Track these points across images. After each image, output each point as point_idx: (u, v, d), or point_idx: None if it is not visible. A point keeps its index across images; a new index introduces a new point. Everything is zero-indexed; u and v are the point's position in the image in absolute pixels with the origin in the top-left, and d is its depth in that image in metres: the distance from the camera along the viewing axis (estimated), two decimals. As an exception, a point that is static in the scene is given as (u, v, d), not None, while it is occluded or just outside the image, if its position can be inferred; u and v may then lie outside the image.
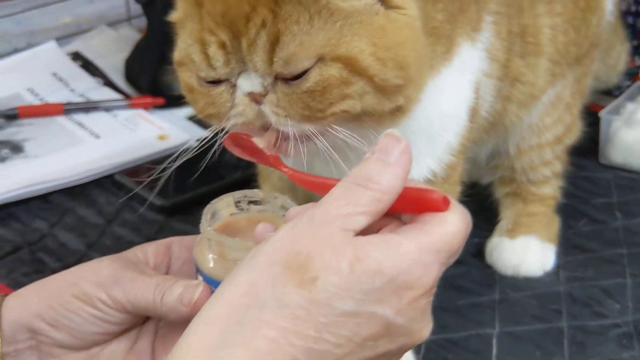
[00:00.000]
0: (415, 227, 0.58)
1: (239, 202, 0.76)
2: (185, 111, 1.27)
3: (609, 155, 1.15)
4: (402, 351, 0.58)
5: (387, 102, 0.70)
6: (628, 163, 1.14)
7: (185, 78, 0.73)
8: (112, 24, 1.51)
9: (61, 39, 1.45)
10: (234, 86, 0.70)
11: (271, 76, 0.68)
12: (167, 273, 0.75)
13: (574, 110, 1.02)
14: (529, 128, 0.99)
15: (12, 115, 1.27)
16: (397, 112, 0.71)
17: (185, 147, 1.16)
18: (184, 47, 0.72)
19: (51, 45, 1.43)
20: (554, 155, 1.02)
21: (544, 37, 0.92)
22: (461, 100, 0.83)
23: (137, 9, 1.48)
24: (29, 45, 1.44)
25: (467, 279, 0.99)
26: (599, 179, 1.14)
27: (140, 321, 0.73)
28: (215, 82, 0.71)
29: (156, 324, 0.74)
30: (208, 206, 0.74)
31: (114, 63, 1.39)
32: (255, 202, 0.76)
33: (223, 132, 0.72)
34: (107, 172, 1.16)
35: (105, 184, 1.16)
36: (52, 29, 1.47)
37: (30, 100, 1.32)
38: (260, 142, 0.70)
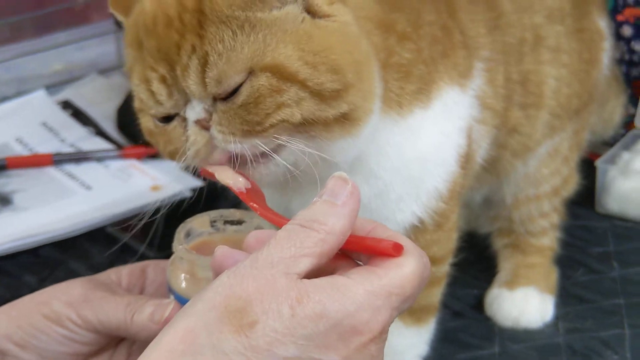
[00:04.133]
0: (367, 269, 0.57)
1: (214, 221, 0.75)
2: (178, 161, 1.26)
3: (605, 204, 1.15)
4: None
5: (328, 109, 0.69)
6: (624, 212, 1.14)
7: (144, 122, 0.75)
8: (104, 71, 1.49)
9: (51, 87, 1.44)
10: (184, 120, 0.70)
11: (209, 99, 0.69)
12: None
13: (572, 163, 1.02)
14: (525, 178, 0.98)
15: (1, 166, 1.25)
16: (345, 121, 0.70)
17: (176, 197, 1.17)
18: (135, 91, 0.73)
19: (40, 94, 1.41)
20: (552, 207, 1.01)
21: (547, 88, 0.91)
22: (448, 146, 0.82)
23: (128, 56, 1.48)
24: (18, 93, 1.42)
25: (467, 333, 0.98)
26: (595, 228, 1.13)
27: (113, 344, 0.73)
28: (168, 119, 0.71)
29: (129, 347, 0.74)
30: (182, 225, 0.74)
31: (105, 112, 1.38)
32: (231, 222, 0.75)
33: (188, 168, 0.72)
34: (99, 224, 1.14)
35: (96, 236, 1.14)
36: (42, 77, 1.45)
37: (19, 150, 1.30)
38: (225, 178, 0.69)
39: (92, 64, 1.50)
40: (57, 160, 1.26)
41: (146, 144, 1.25)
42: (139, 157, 1.27)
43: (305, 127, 0.69)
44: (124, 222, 1.16)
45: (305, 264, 0.55)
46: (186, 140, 0.70)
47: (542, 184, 0.99)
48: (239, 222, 0.75)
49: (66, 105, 1.40)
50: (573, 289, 1.03)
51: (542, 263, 1.03)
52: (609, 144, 1.21)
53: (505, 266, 1.04)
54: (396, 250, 0.57)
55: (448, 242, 0.86)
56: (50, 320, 0.70)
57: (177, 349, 0.53)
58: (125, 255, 1.09)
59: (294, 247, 0.56)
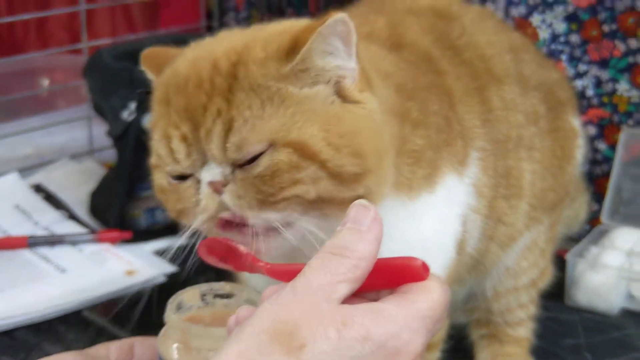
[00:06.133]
0: (398, 295, 0.59)
1: (204, 295, 0.76)
2: (153, 246, 1.26)
3: (575, 297, 1.17)
4: None
5: (345, 190, 0.70)
6: (593, 305, 1.16)
7: (157, 179, 0.76)
8: (75, 156, 1.50)
9: (23, 170, 1.43)
10: (198, 182, 0.71)
11: (228, 164, 0.70)
12: None
13: (547, 256, 1.05)
14: (506, 271, 1.01)
15: (-26, 248, 1.23)
16: None
17: (151, 282, 1.16)
18: (154, 146, 0.74)
19: (13, 177, 1.41)
20: (529, 298, 1.04)
21: (525, 181, 0.95)
22: (448, 232, 0.84)
23: (100, 142, 1.48)
24: (-10, 176, 1.42)
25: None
26: (565, 320, 1.16)
27: None
28: (182, 178, 0.73)
29: None
30: (174, 297, 0.75)
31: (77, 196, 1.38)
32: (221, 296, 0.76)
33: (193, 233, 0.73)
34: (74, 307, 1.13)
35: (72, 320, 1.12)
36: (12, 160, 1.45)
37: (-8, 232, 1.29)
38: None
39: (62, 149, 1.50)
40: (31, 242, 1.25)
41: (119, 229, 1.27)
42: (113, 241, 1.27)
43: (319, 204, 0.70)
44: (99, 306, 1.15)
45: (343, 290, 0.58)
46: (197, 203, 0.71)
47: (521, 276, 1.01)
48: (228, 296, 0.76)
49: (38, 189, 1.40)
50: (549, 379, 1.05)
51: (520, 353, 1.05)
52: (575, 239, 1.25)
53: (483, 356, 1.05)
54: (425, 268, 0.60)
55: (441, 329, 0.87)
56: None
57: None
58: (101, 339, 1.08)
59: (329, 273, 0.58)
